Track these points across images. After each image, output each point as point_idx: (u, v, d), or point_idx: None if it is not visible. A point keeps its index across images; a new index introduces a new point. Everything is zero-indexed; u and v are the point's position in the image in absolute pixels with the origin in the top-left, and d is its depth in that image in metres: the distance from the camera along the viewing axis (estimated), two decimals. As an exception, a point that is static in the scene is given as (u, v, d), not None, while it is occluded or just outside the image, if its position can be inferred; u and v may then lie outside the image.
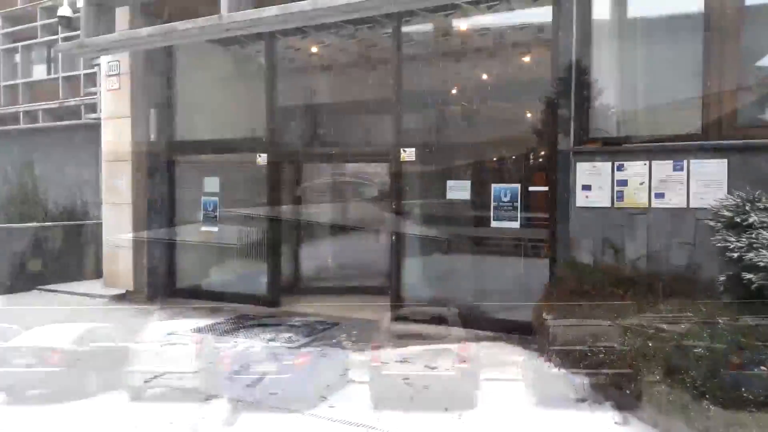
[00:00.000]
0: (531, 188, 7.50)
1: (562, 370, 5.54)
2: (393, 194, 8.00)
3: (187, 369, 6.07)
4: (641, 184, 6.31)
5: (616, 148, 6.48)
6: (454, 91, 7.92)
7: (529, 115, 7.44)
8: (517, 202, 7.38)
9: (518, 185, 7.42)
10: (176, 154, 9.99)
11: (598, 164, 6.52)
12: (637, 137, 6.52)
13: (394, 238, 7.96)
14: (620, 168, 6.42)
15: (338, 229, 11.41)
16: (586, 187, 6.61)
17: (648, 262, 6.27)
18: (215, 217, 9.64)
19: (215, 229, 9.77)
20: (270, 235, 9.06)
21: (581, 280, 6.41)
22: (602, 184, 6.49)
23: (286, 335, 7.18)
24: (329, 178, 11.50)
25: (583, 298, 6.25)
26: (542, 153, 7.57)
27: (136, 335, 6.76)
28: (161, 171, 9.85)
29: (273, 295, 9.05)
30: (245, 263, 10.32)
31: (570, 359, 5.47)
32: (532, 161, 7.92)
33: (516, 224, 7.38)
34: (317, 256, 11.49)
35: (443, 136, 7.68)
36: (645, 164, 6.29)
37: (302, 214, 8.68)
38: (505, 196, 7.46)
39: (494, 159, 8.12)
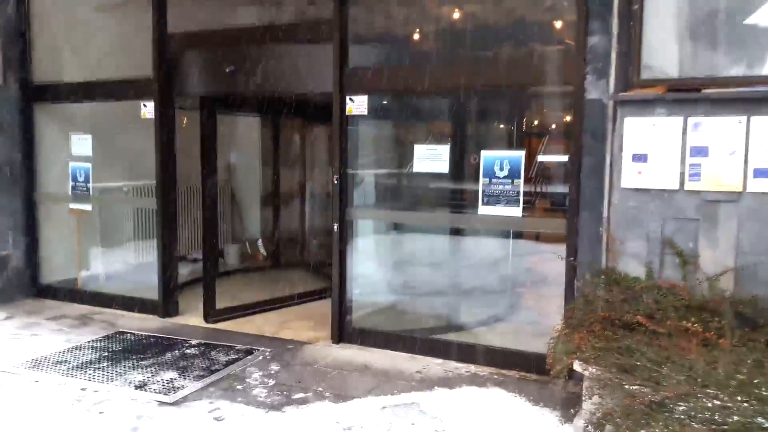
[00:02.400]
0: (541, 158, 5.07)
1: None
2: (335, 163, 5.44)
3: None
4: (732, 153, 3.94)
5: (692, 96, 4.07)
6: (427, 11, 5.30)
7: (538, 46, 4.94)
8: (518, 178, 4.93)
9: (521, 153, 4.96)
10: (35, 102, 7.16)
11: (661, 121, 4.12)
12: (725, 79, 4.12)
13: (337, 226, 5.43)
14: (697, 128, 4.03)
15: (264, 203, 8.80)
16: (639, 158, 4.20)
17: (739, 279, 3.96)
18: (87, 190, 6.89)
19: (88, 207, 7.03)
20: (162, 214, 6.38)
21: (625, 302, 4.06)
22: (667, 153, 4.10)
23: (168, 376, 4.66)
24: (246, 136, 8.85)
25: (629, 331, 3.93)
26: (559, 104, 5.12)
27: None
28: (12, 126, 7.00)
29: (166, 300, 6.40)
30: (136, 253, 7.63)
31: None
32: (542, 117, 5.45)
33: (516, 210, 4.94)
34: (233, 242, 8.87)
35: (411, 78, 5.13)
36: (740, 121, 3.91)
37: (209, 185, 6.03)
38: (501, 169, 5.01)
39: (485, 114, 5.62)
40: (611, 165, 4.37)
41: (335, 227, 5.44)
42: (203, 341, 5.53)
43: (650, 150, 4.15)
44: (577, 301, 4.40)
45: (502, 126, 5.62)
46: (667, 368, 3.33)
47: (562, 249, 4.76)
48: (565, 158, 4.80)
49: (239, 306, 6.49)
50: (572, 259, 4.65)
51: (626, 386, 3.29)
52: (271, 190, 8.59)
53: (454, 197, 5.46)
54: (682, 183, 4.07)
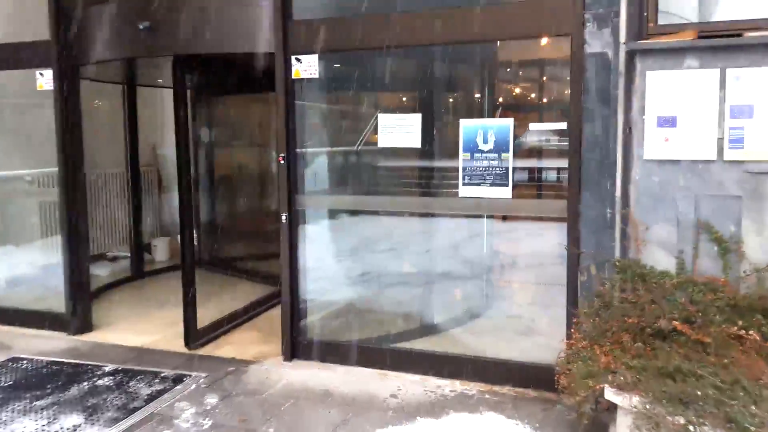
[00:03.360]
0: (534, 126, 4.19)
1: None
2: (281, 139, 4.41)
3: None
4: (784, 113, 3.15)
5: (732, 42, 3.23)
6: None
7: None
8: (506, 151, 4.04)
9: (509, 122, 4.06)
10: None
11: (692, 74, 3.28)
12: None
13: (285, 216, 4.42)
14: (738, 81, 3.21)
15: (199, 190, 7.65)
16: (665, 121, 3.35)
17: (795, 270, 3.19)
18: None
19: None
20: (66, 206, 5.22)
21: (654, 303, 3.23)
22: (700, 115, 3.27)
23: (71, 422, 3.63)
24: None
25: (661, 340, 3.12)
26: (553, 60, 4.24)
27: None
28: None
29: (75, 312, 5.24)
30: (44, 255, 6.41)
31: None
32: (534, 77, 4.56)
33: (505, 191, 4.05)
34: (162, 235, 7.73)
35: (372, 31, 4.13)
36: (796, 72, 3.12)
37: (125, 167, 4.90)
38: (486, 141, 4.10)
39: (465, 76, 4.69)
40: (628, 131, 3.51)
41: (283, 217, 4.43)
42: (121, 366, 4.44)
43: (679, 111, 3.32)
44: (591, 302, 3.55)
45: (485, 90, 4.69)
46: (741, 399, 2.50)
47: (560, 232, 3.90)
48: (562, 126, 3.92)
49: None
50: (573, 247, 3.79)
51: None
52: (207, 175, 7.46)
53: (429, 176, 4.54)
54: (720, 151, 3.26)
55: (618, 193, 3.61)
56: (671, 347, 3.07)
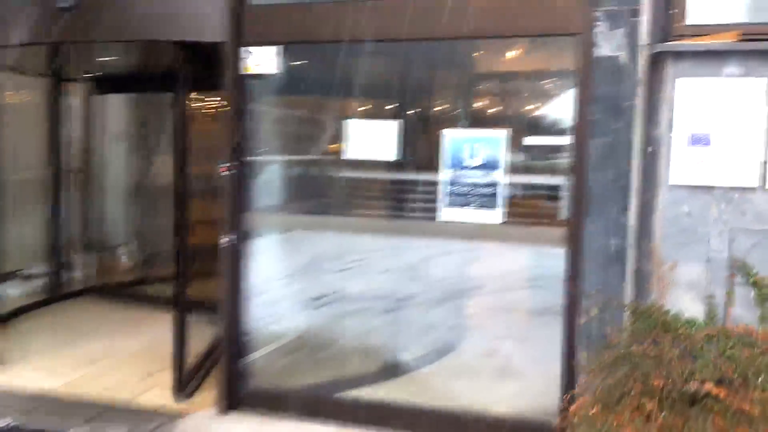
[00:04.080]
0: (531, 140, 3.58)
1: None
2: (229, 146, 3.67)
3: None
4: (843, 133, 2.63)
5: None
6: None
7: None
8: (497, 168, 3.43)
9: (502, 134, 3.45)
10: None
11: (733, 83, 2.74)
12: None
13: (229, 239, 3.68)
14: (788, 94, 2.68)
15: (131, 199, 6.83)
16: (698, 140, 2.80)
17: None
18: None
19: None
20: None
21: (680, 358, 2.66)
22: (740, 133, 2.72)
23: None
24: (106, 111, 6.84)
25: (689, 405, 2.55)
26: (556, 63, 3.65)
27: None
28: None
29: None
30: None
31: None
32: (535, 81, 3.96)
33: (494, 215, 3.43)
34: (87, 250, 6.82)
35: (340, 22, 3.45)
36: None
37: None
38: (474, 155, 3.48)
39: (450, 79, 4.06)
40: (650, 150, 2.95)
41: (225, 240, 3.68)
42: (20, 424, 3.57)
43: (714, 128, 2.76)
44: (599, 353, 2.95)
45: (474, 96, 4.07)
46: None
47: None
48: (564, 141, 3.33)
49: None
50: (573, 283, 3.19)
51: None
52: (142, 182, 6.60)
53: (405, 195, 3.87)
54: (763, 178, 2.72)
55: (632, 222, 3.04)
56: (706, 417, 2.49)
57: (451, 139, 3.49)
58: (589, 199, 3.18)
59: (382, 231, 3.81)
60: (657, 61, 2.90)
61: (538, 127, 3.76)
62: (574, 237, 3.23)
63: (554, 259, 3.31)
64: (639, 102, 3.00)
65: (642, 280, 2.99)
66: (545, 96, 3.77)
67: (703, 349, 2.70)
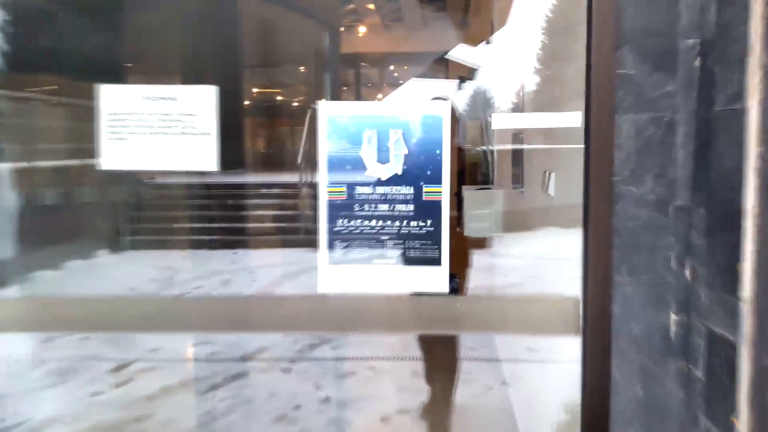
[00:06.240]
0: (500, 119, 1.77)
1: None
2: None
3: None
4: None
5: None
6: None
7: None
8: (437, 183, 1.60)
9: (444, 106, 1.62)
10: None
11: None
12: None
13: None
14: None
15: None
16: None
17: None
18: None
19: None
20: None
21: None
22: None
23: None
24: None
25: None
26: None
27: None
28: None
29: None
30: None
31: None
32: None
33: (434, 274, 1.62)
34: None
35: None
36: None
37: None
38: (385, 158, 1.64)
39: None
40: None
41: None
42: None
43: None
44: None
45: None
46: None
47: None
48: (576, 120, 1.51)
49: None
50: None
51: None
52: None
53: (241, 235, 2.09)
54: None
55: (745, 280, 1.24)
56: None
57: (330, 119, 1.64)
58: (623, 233, 1.40)
59: (195, 319, 1.95)
60: None
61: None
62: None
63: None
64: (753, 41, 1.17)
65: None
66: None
67: None
